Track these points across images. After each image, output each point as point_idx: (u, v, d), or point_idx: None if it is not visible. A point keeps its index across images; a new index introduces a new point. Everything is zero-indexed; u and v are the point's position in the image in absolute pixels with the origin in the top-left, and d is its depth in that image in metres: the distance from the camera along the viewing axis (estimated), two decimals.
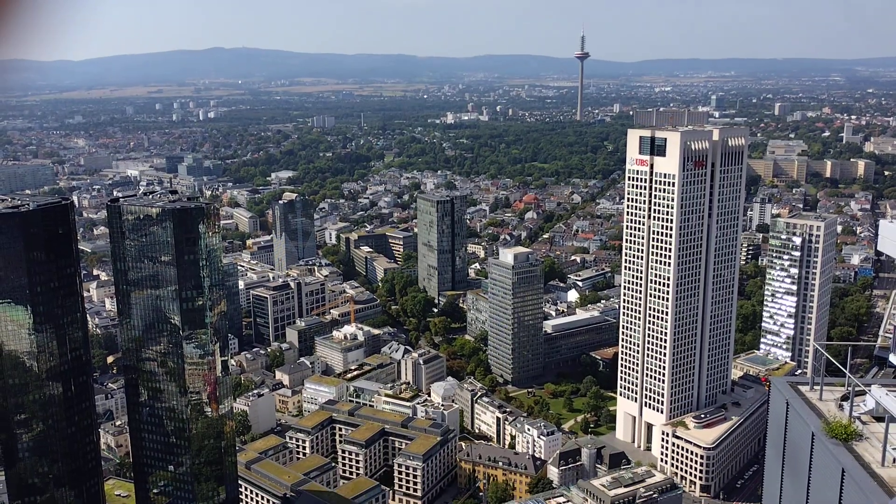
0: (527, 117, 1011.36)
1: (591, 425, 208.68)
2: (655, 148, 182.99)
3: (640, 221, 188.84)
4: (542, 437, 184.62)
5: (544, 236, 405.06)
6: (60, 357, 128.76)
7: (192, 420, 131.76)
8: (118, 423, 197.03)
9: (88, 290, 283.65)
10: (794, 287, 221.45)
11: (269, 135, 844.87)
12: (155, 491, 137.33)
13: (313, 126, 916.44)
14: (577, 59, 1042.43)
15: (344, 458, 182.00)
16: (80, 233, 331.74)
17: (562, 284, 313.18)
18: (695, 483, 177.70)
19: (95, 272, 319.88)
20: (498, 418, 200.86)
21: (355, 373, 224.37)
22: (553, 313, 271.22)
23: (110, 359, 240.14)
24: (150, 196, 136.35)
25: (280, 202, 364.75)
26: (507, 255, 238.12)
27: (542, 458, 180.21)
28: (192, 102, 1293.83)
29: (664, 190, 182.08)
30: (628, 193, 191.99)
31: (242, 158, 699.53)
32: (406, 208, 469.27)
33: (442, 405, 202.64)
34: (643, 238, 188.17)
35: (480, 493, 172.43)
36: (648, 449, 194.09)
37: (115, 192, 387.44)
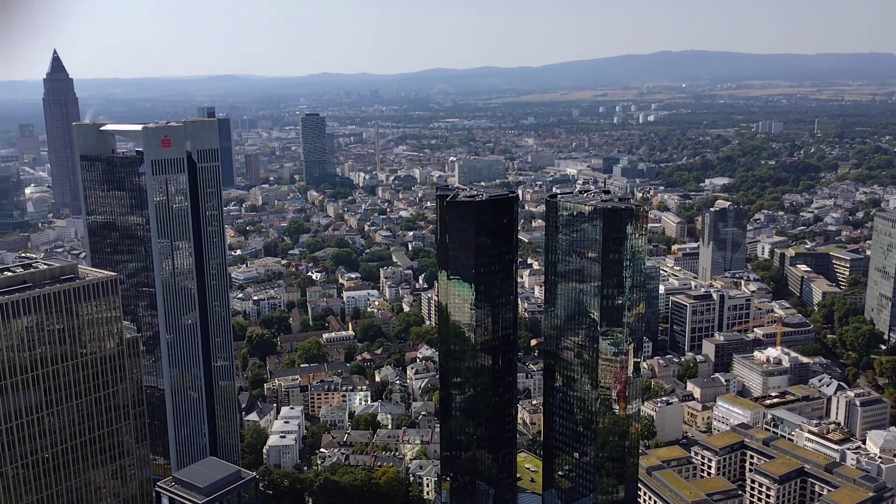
0: None
1: None
2: None
3: None
4: None
5: None
6: (493, 333, 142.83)
7: (599, 413, 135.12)
8: (534, 402, 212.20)
9: (521, 277, 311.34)
10: None
11: (708, 139, 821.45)
12: (560, 473, 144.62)
13: (757, 132, 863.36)
14: None
15: (752, 488, 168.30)
16: (520, 223, 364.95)
17: None
18: None
19: (529, 261, 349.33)
20: None
21: (775, 400, 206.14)
22: None
23: (533, 342, 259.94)
24: (585, 194, 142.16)
25: (711, 209, 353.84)
26: None
27: None
28: (633, 106, 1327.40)
29: None
30: None
31: (677, 163, 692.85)
32: (859, 227, 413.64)
33: (880, 457, 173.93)
34: None
35: None
36: None
37: (554, 189, 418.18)
